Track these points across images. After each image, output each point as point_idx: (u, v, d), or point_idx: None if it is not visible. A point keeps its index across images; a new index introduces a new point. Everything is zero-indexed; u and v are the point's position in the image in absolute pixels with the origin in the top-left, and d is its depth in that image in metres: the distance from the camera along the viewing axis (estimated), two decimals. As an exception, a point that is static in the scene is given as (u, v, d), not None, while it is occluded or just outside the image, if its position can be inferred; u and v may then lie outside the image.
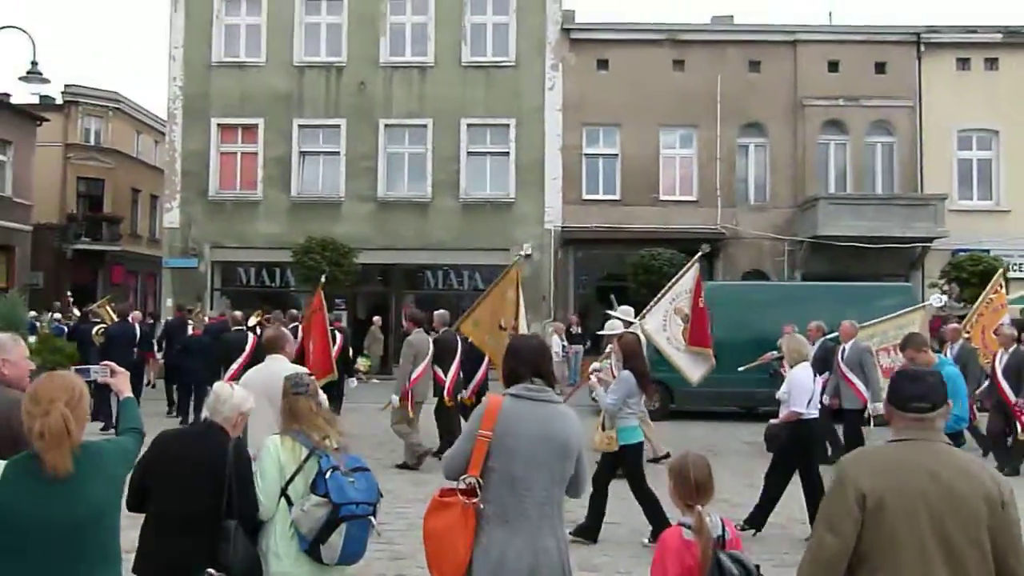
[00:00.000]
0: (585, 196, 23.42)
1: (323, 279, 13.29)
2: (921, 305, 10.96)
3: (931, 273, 22.54)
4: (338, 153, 23.57)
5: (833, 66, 23.11)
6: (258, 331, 15.39)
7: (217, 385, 4.04)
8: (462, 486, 3.33)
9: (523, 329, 10.74)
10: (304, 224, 22.74)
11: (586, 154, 23.56)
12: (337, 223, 22.87)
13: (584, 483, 3.63)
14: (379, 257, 23.09)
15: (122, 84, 49.99)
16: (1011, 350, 10.94)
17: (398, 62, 23.54)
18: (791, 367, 7.97)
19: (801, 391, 7.72)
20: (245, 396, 3.93)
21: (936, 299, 11.75)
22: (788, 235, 23.00)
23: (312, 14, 23.77)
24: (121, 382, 3.52)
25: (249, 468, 3.76)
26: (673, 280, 11.18)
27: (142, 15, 79.77)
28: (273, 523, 3.68)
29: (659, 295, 11.11)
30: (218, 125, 23.68)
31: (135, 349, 14.15)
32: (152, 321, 21.06)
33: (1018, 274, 21.19)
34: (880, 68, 23.15)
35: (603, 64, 23.48)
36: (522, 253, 11.74)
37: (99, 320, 16.46)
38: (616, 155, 23.56)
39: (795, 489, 7.87)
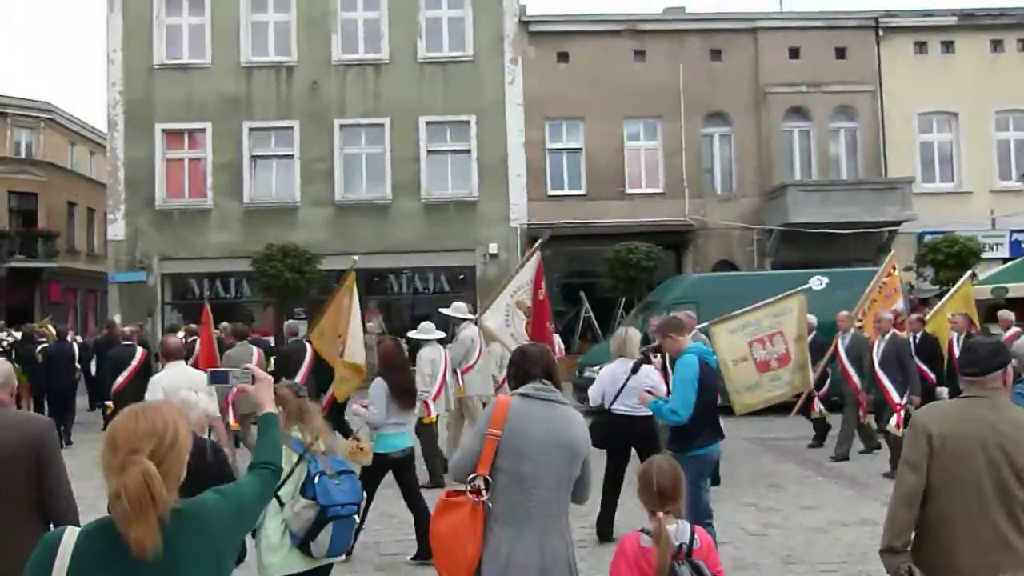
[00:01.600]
0: (550, 192, 22.87)
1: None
2: (798, 289, 9.97)
3: (899, 257, 22.51)
4: (292, 156, 22.60)
5: (794, 52, 22.95)
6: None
7: (184, 393, 4.28)
8: (470, 486, 3.33)
9: (356, 336, 10.00)
10: (258, 232, 21.75)
11: (549, 149, 23.00)
12: (293, 229, 21.88)
13: (589, 488, 3.60)
14: (339, 263, 21.88)
15: (55, 94, 47.75)
16: (887, 337, 10.44)
17: (351, 60, 22.66)
18: (612, 361, 7.64)
19: (599, 385, 7.44)
20: (210, 401, 4.36)
21: (816, 282, 10.93)
22: (756, 224, 22.76)
23: (259, 12, 22.73)
24: (263, 392, 2.76)
25: (227, 465, 4.11)
26: (513, 272, 10.71)
27: (75, 20, 76.86)
28: (265, 521, 3.95)
29: (499, 289, 10.54)
30: (163, 131, 22.49)
31: (77, 367, 14.46)
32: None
33: (989, 254, 21.19)
34: (840, 53, 23.07)
35: (563, 57, 22.95)
36: (356, 258, 11.59)
37: (44, 340, 15.71)
38: (580, 149, 23.05)
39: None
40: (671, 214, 22.69)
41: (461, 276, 23.16)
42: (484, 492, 3.31)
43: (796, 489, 9.17)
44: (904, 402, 9.82)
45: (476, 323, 10.37)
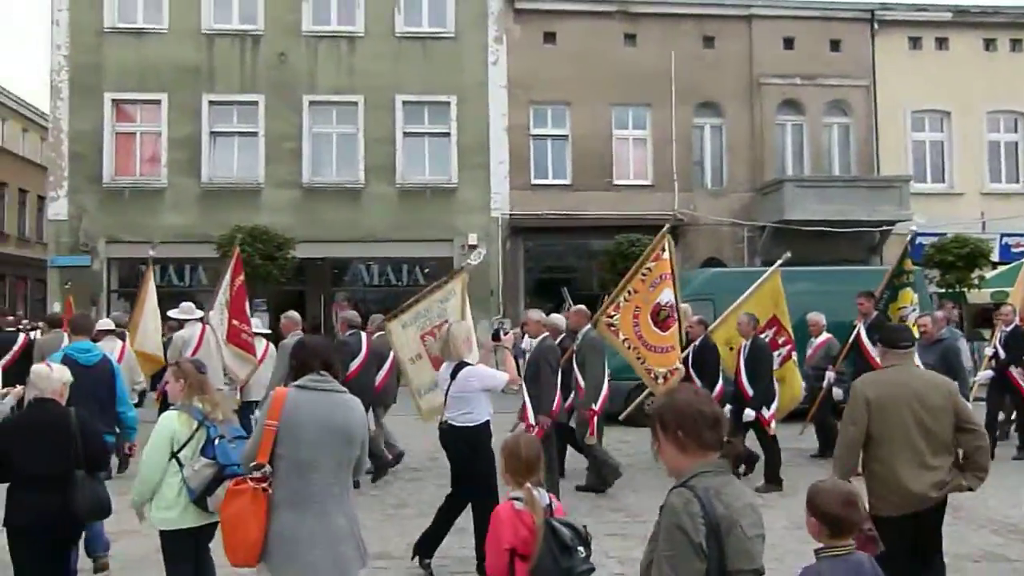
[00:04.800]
0: (534, 181, 21.53)
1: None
2: (459, 268, 8.96)
3: (889, 258, 21.87)
4: (256, 133, 20.83)
5: (788, 43, 22.08)
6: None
7: (35, 367, 4.87)
8: (253, 474, 3.58)
9: (146, 326, 11.01)
10: (217, 214, 19.96)
11: (534, 135, 21.66)
12: (256, 212, 20.08)
13: (363, 467, 3.97)
14: (305, 250, 20.37)
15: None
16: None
17: (323, 31, 20.98)
18: None
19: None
20: (63, 370, 4.84)
21: (475, 256, 9.41)
22: (746, 220, 21.81)
23: (222, -25, 20.92)
24: None
25: (92, 425, 4.84)
26: (224, 272, 10.42)
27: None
28: (164, 479, 4.29)
29: (218, 286, 10.31)
30: (113, 101, 20.52)
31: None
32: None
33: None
34: (835, 46, 22.30)
35: (550, 37, 21.63)
36: (152, 251, 13.81)
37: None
38: (566, 136, 21.77)
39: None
40: (659, 207, 21.52)
41: (426, 270, 21.59)
42: (264, 479, 3.56)
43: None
44: (533, 422, 7.73)
45: (203, 321, 10.32)
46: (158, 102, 20.61)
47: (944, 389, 4.55)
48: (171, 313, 11.01)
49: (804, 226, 20.31)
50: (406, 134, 21.17)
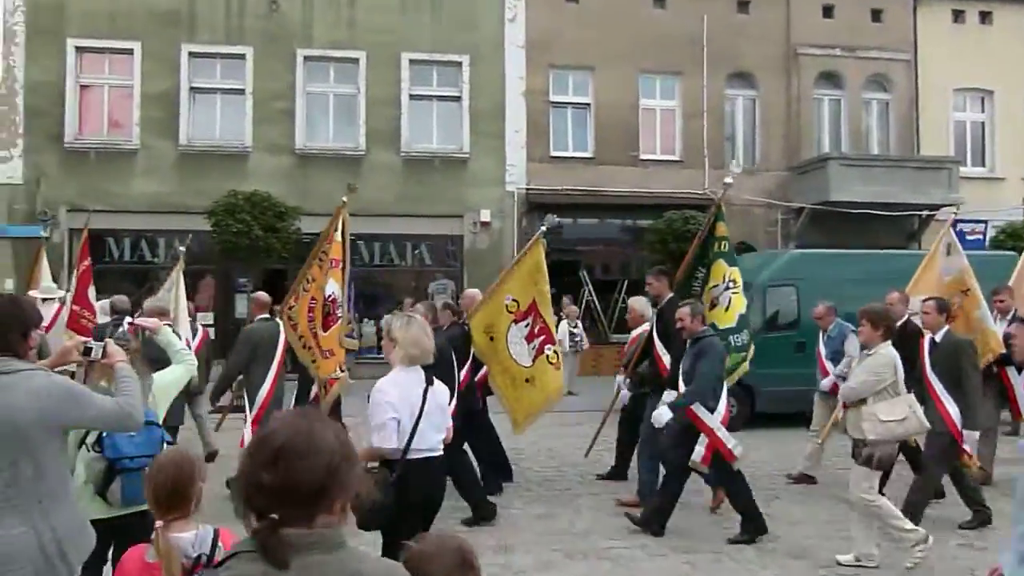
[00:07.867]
0: (553, 152, 19.50)
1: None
2: (175, 256, 8.60)
3: (927, 245, 20.39)
4: (242, 91, 18.41)
5: (827, 11, 20.40)
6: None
7: None
8: None
9: None
10: (196, 181, 17.74)
11: (553, 102, 19.61)
12: (241, 180, 17.67)
13: (108, 418, 3.18)
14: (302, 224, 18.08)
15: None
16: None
17: (321, -22, 18.67)
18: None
19: (383, 411, 4.67)
20: None
21: (185, 242, 9.08)
22: (780, 200, 20.10)
23: (206, -91, 18.41)
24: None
25: None
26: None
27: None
28: (77, 470, 3.87)
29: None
30: (77, 48, 17.91)
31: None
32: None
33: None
34: (876, 16, 20.68)
35: (573, -5, 19.63)
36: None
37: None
38: (588, 105, 19.76)
39: None
40: (688, 186, 19.73)
41: (415, 250, 19.44)
42: None
43: None
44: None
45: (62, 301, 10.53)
46: (130, 51, 18.05)
47: None
48: (31, 292, 10.56)
49: (849, 208, 18.67)
50: (412, 96, 18.95)
